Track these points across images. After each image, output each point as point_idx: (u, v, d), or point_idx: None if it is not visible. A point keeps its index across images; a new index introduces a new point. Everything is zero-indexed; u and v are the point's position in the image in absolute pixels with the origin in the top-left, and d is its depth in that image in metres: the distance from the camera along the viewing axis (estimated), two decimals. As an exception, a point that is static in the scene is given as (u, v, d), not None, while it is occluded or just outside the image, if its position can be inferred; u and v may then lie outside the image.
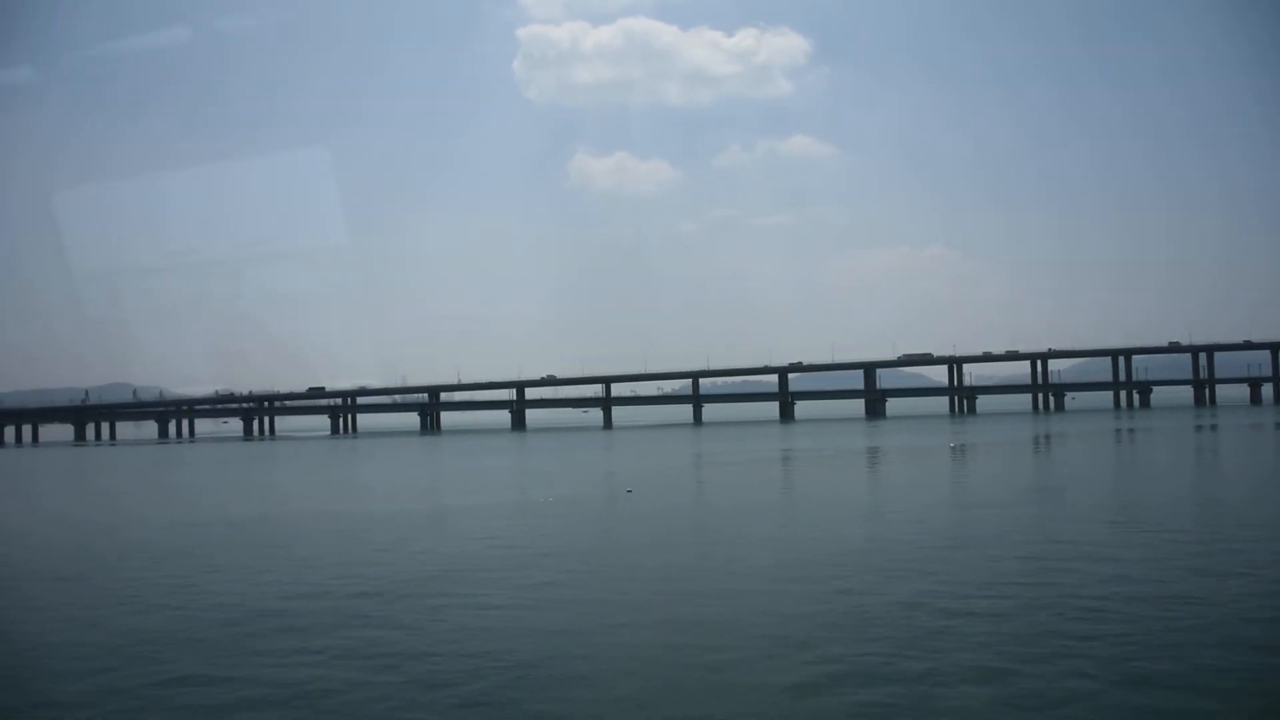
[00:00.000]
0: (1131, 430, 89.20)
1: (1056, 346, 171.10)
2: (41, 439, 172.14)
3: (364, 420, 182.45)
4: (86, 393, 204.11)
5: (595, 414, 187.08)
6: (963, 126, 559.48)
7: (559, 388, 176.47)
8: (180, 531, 32.00)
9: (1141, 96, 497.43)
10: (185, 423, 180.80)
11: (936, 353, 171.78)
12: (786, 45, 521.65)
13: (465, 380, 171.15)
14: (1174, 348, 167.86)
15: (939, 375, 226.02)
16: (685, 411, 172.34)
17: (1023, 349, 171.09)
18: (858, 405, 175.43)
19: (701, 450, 78.09)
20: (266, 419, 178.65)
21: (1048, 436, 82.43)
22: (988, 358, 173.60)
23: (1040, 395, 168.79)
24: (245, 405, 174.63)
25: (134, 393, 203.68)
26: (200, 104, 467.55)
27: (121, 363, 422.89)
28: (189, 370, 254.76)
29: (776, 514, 32.20)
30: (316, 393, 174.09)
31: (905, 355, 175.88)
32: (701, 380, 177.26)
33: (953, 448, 69.58)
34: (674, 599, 18.67)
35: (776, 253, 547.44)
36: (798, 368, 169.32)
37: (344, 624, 17.39)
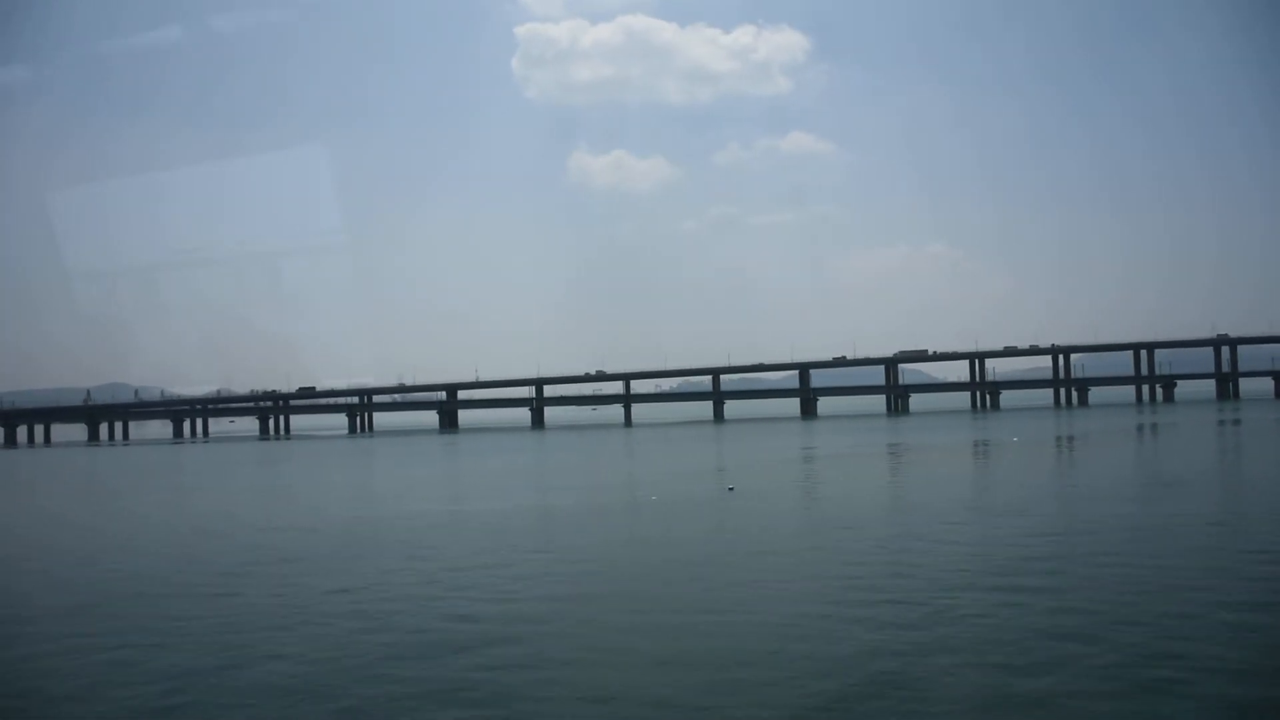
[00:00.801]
0: (1174, 424, 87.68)
1: (1060, 342, 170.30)
2: (53, 439, 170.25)
3: (380, 418, 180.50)
4: (89, 392, 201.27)
5: (604, 411, 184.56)
6: (963, 124, 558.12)
7: (575, 385, 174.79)
8: (317, 532, 30.48)
9: (1141, 95, 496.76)
10: (198, 422, 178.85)
11: (961, 349, 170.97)
12: (785, 42, 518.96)
13: (484, 378, 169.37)
14: (1222, 339, 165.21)
15: (938, 370, 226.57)
16: (704, 408, 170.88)
17: (1043, 343, 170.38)
18: (877, 401, 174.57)
19: (760, 446, 76.65)
20: (282, 418, 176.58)
21: (1125, 430, 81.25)
22: (1009, 352, 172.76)
23: (1063, 390, 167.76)
24: (262, 404, 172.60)
25: (135, 393, 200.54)
26: (198, 102, 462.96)
27: (119, 362, 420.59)
28: (186, 369, 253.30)
29: (919, 512, 30.68)
30: (307, 392, 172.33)
31: (901, 352, 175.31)
32: (686, 378, 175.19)
33: (1015, 442, 68.77)
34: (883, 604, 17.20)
35: (777, 251, 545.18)
36: (842, 362, 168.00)
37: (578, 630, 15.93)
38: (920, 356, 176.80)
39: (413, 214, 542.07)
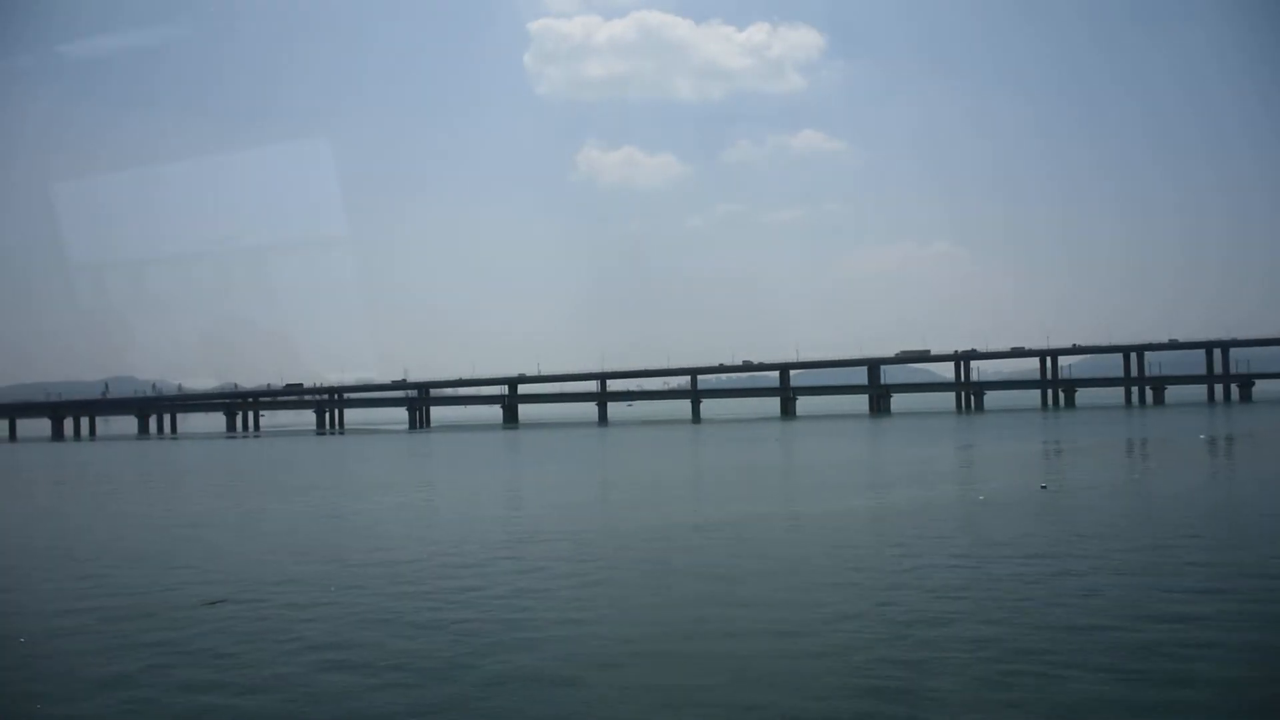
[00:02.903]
0: None
1: (1129, 340, 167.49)
2: (98, 432, 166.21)
3: (437, 413, 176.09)
4: (107, 385, 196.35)
5: (640, 408, 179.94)
6: (973, 123, 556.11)
7: (639, 379, 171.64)
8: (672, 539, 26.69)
9: (1150, 94, 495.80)
10: (249, 415, 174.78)
11: (1028, 345, 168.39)
12: (800, 40, 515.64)
13: (545, 372, 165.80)
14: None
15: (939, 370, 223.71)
16: (770, 405, 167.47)
17: (1119, 341, 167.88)
18: (946, 399, 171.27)
19: (920, 442, 72.99)
20: (336, 411, 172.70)
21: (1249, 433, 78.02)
22: (1080, 349, 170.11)
23: (1137, 388, 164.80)
24: (319, 397, 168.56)
25: (154, 386, 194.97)
26: (200, 95, 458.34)
27: (118, 356, 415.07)
28: (187, 363, 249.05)
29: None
30: (299, 388, 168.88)
31: (903, 352, 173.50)
32: (668, 378, 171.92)
33: (1203, 439, 65.72)
34: None
35: (786, 248, 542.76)
36: (912, 357, 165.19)
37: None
38: (990, 354, 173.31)
39: (418, 209, 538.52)
